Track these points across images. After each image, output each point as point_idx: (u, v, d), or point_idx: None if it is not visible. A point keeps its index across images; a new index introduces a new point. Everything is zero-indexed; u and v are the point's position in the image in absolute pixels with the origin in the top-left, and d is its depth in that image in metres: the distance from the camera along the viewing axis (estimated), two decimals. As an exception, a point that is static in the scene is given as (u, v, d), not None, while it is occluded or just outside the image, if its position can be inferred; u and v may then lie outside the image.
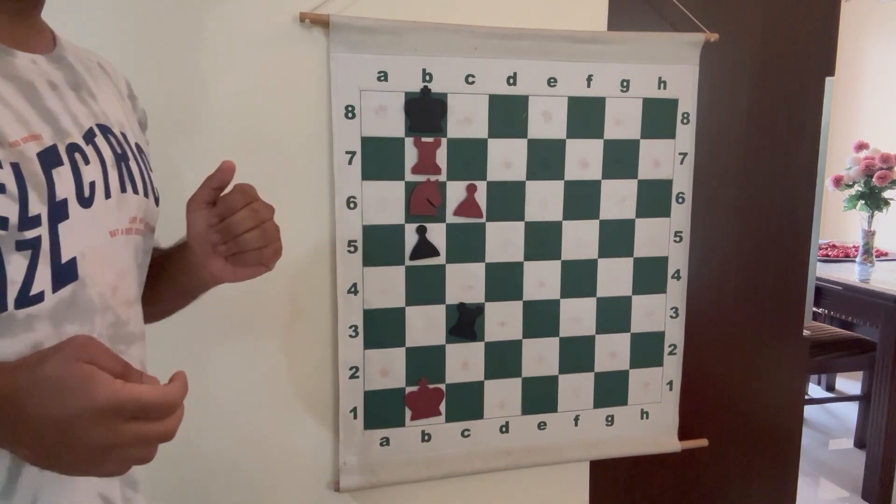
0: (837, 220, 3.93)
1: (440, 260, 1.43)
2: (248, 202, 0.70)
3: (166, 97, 1.27)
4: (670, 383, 1.62)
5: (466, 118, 1.39)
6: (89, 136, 0.61)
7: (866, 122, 4.06)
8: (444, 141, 1.39)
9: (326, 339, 1.42)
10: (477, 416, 1.51)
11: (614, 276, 1.54)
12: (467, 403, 1.50)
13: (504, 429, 1.53)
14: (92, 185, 0.59)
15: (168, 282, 0.82)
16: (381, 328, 1.42)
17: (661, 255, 1.56)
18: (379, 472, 1.45)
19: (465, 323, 1.47)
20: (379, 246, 1.39)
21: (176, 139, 1.29)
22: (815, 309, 2.84)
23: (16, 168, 0.52)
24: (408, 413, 1.46)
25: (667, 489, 1.74)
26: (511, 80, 1.40)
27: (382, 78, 1.34)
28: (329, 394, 1.44)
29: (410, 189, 1.39)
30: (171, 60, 1.27)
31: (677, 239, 1.56)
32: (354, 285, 1.39)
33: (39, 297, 0.54)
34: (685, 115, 1.51)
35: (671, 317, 1.59)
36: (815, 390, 3.53)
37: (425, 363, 1.46)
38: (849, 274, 2.82)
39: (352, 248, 1.38)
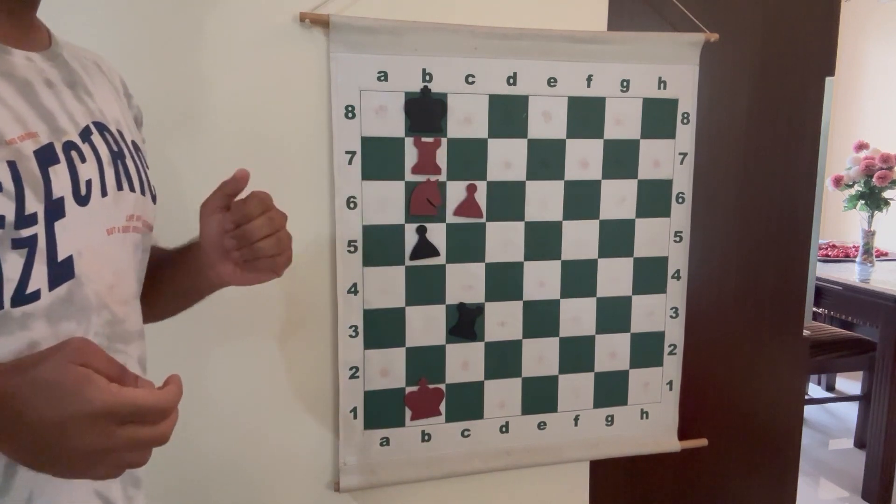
0: (837, 220, 3.93)
1: (440, 260, 1.43)
2: (265, 210, 0.72)
3: (166, 97, 1.27)
4: (670, 383, 1.62)
5: (466, 118, 1.39)
6: (86, 134, 0.61)
7: (866, 122, 4.06)
8: (444, 141, 1.39)
9: (326, 339, 1.42)
10: (477, 416, 1.51)
11: (614, 276, 1.54)
12: (467, 403, 1.50)
13: (504, 429, 1.53)
14: (88, 183, 0.59)
15: (170, 282, 0.82)
16: (381, 328, 1.42)
17: (661, 255, 1.56)
18: (379, 472, 1.45)
19: (465, 323, 1.47)
20: (379, 246, 1.39)
21: (176, 139, 1.29)
22: (815, 309, 2.84)
23: (12, 166, 0.52)
24: (408, 413, 1.46)
25: (667, 489, 1.74)
26: (511, 80, 1.40)
27: (382, 78, 1.34)
28: (329, 394, 1.44)
29: (410, 189, 1.39)
30: (171, 60, 1.27)
31: (677, 239, 1.56)
32: (354, 285, 1.39)
33: (36, 296, 0.54)
34: (685, 115, 1.51)
35: (671, 317, 1.59)
36: (815, 390, 3.53)
37: (425, 363, 1.46)
38: (849, 274, 2.81)
39: (352, 248, 1.38)
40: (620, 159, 1.49)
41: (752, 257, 1.68)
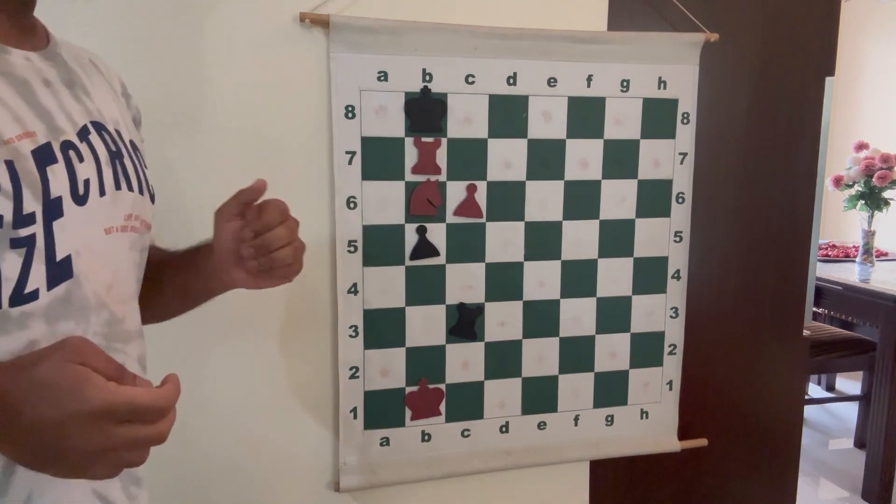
0: (837, 220, 3.93)
1: (440, 260, 1.43)
2: (283, 220, 0.73)
3: (166, 97, 1.27)
4: (670, 383, 1.62)
5: (466, 118, 1.39)
6: (84, 134, 0.61)
7: (866, 122, 4.06)
8: (444, 141, 1.39)
9: (326, 339, 1.42)
10: (477, 416, 1.51)
11: (614, 276, 1.53)
12: (467, 403, 1.50)
13: (504, 429, 1.53)
14: (86, 182, 0.59)
15: (172, 283, 0.82)
16: (381, 328, 1.42)
17: (661, 255, 1.56)
18: (379, 472, 1.45)
19: (465, 323, 1.47)
20: (379, 246, 1.39)
21: (176, 139, 1.29)
22: (815, 309, 2.84)
23: (10, 166, 0.52)
24: (408, 413, 1.46)
25: (667, 489, 1.74)
26: (511, 80, 1.40)
27: (382, 78, 1.33)
28: (329, 394, 1.44)
29: (410, 189, 1.38)
30: (171, 60, 1.27)
31: (677, 239, 1.56)
32: (354, 285, 1.39)
33: (34, 296, 0.54)
34: (685, 115, 1.51)
35: (671, 317, 1.59)
36: (815, 390, 3.53)
37: (425, 363, 1.45)
38: (849, 274, 2.81)
39: (352, 248, 1.38)
40: (620, 159, 1.49)
41: (752, 257, 1.68)
